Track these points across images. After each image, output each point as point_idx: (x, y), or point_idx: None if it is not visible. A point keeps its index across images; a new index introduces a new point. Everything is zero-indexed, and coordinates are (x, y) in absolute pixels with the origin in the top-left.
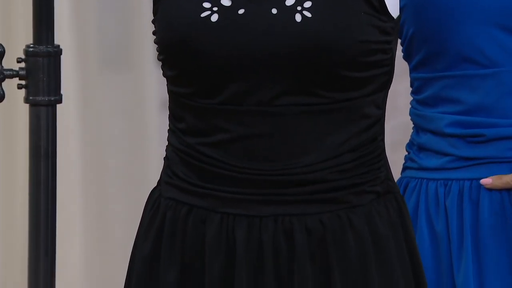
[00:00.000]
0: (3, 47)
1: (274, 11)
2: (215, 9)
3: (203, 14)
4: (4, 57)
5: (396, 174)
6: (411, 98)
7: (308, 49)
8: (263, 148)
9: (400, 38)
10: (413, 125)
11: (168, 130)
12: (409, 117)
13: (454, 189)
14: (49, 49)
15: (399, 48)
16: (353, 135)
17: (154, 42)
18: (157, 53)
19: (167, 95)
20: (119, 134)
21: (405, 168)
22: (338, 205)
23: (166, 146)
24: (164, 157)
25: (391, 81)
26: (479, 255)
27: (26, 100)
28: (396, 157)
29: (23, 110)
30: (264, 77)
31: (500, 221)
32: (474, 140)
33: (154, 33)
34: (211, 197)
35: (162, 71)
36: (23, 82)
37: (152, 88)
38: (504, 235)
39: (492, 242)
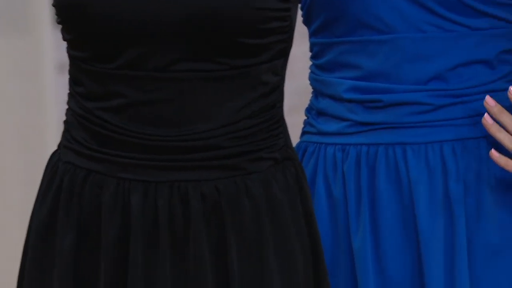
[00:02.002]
0: None
1: None
2: None
3: None
4: None
5: (293, 138)
6: (309, 63)
7: (204, 15)
8: (160, 114)
9: (300, 3)
10: (312, 90)
11: (68, 94)
12: (307, 82)
13: (351, 154)
14: None
15: (299, 13)
16: (251, 102)
17: (52, 5)
18: (55, 16)
19: (64, 59)
20: (16, 97)
21: (304, 133)
22: (235, 171)
23: (66, 110)
24: (64, 121)
25: (290, 48)
26: (376, 220)
27: None
28: (293, 121)
29: None
30: (161, 42)
31: (395, 186)
32: (372, 105)
33: None
34: (107, 162)
35: (61, 35)
36: None
37: (49, 51)
38: (399, 200)
39: (388, 207)
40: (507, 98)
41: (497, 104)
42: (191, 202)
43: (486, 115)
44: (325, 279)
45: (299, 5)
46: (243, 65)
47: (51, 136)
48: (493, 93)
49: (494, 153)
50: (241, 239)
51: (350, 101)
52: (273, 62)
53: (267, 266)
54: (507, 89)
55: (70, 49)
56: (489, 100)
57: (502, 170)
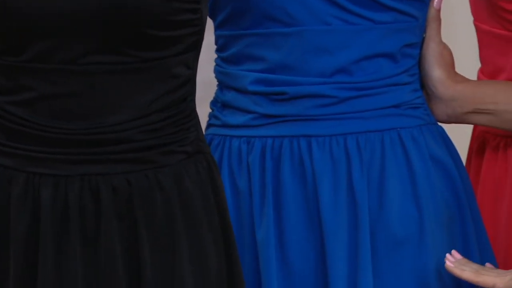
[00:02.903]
0: None
1: None
2: None
3: None
4: None
5: None
6: (213, 55)
7: (112, 7)
8: (70, 107)
9: None
10: (216, 83)
11: None
12: (211, 74)
13: (256, 147)
14: None
15: None
16: (162, 95)
17: None
18: None
19: None
20: None
21: (209, 126)
22: (146, 164)
23: None
24: None
25: (202, 41)
26: (280, 212)
27: None
28: (198, 114)
29: None
30: (70, 35)
31: (300, 178)
32: (277, 98)
33: None
34: (17, 156)
35: None
36: None
37: None
38: (303, 192)
39: (292, 199)
40: (410, 92)
41: (461, 258)
42: (102, 196)
43: (447, 261)
44: (237, 267)
45: None
46: (154, 57)
47: None
48: (396, 87)
49: (448, 265)
50: (153, 233)
51: (255, 93)
52: (184, 55)
53: (179, 259)
54: (409, 82)
55: None
56: (455, 254)
57: (404, 162)
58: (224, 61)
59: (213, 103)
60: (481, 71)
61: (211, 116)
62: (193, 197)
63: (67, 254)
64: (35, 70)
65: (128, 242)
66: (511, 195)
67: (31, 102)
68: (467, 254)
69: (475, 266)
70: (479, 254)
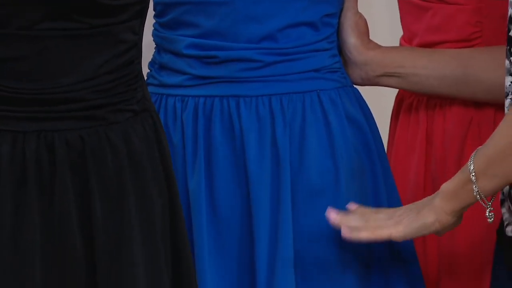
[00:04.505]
0: None
1: None
2: None
3: None
4: None
5: None
6: (151, 20)
7: None
8: (26, 69)
9: None
10: (155, 46)
11: None
12: (150, 38)
13: (190, 105)
14: None
15: None
16: (110, 59)
17: None
18: None
19: None
20: None
21: (147, 84)
22: (96, 122)
23: None
24: None
25: (147, 9)
26: (210, 164)
27: None
28: None
29: None
30: (25, 2)
31: (229, 134)
32: (209, 61)
33: None
34: None
35: None
36: None
37: None
38: (231, 146)
39: (221, 153)
40: (329, 57)
41: (338, 214)
42: (57, 150)
43: (342, 230)
44: (180, 216)
45: None
46: (103, 24)
47: None
48: (317, 52)
49: (345, 233)
50: (103, 184)
51: (189, 56)
52: (131, 22)
53: (128, 210)
54: (328, 49)
55: None
56: (332, 215)
57: (322, 121)
58: (161, 26)
59: (151, 64)
60: (403, 38)
61: (149, 76)
62: (140, 152)
63: (25, 207)
64: None
65: (80, 195)
66: (419, 156)
67: None
68: (377, 203)
69: (360, 217)
70: (387, 203)
